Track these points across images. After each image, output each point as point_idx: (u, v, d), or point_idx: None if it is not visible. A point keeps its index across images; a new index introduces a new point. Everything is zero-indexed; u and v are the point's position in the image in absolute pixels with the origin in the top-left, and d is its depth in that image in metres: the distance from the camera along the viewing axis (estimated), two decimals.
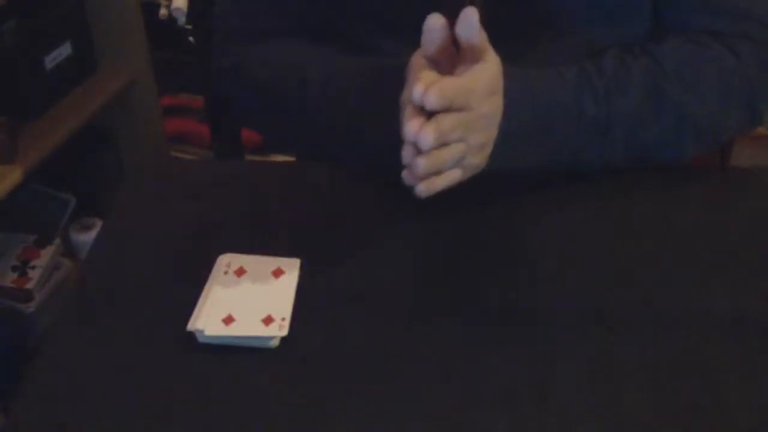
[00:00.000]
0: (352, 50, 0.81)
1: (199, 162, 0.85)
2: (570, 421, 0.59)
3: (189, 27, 1.77)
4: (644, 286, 0.69)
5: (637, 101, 0.74)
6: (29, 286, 1.58)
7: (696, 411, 0.59)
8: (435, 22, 0.62)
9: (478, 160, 0.66)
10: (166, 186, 0.83)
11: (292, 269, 0.69)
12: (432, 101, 0.59)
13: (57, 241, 1.69)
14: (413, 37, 0.80)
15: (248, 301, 0.66)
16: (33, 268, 1.61)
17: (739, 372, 0.62)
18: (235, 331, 0.64)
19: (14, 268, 1.62)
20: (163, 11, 1.81)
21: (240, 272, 0.69)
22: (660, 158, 0.77)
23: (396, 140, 0.62)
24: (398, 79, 0.66)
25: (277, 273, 0.69)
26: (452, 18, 0.62)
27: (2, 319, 1.59)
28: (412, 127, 0.60)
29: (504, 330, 0.64)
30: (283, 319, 0.65)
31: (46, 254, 1.64)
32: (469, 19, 0.61)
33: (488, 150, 0.67)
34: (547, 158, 0.74)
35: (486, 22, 0.78)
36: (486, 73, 0.64)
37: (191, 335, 0.64)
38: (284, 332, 0.64)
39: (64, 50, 1.61)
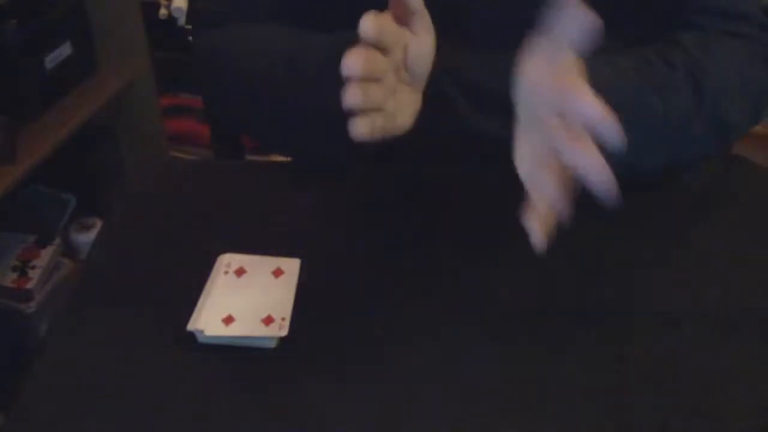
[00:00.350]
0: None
1: (199, 162, 0.85)
2: (570, 421, 0.59)
3: (189, 27, 1.77)
4: (644, 286, 0.69)
5: (688, 96, 0.72)
6: (29, 286, 1.58)
7: (696, 411, 0.59)
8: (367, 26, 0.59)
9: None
10: (166, 186, 0.83)
11: (292, 269, 0.69)
12: (368, 28, 0.57)
13: (57, 241, 1.69)
14: None
15: (248, 301, 0.66)
16: (33, 268, 1.62)
17: (739, 372, 0.62)
18: (235, 331, 0.64)
19: (14, 268, 1.62)
20: (163, 11, 1.81)
21: (240, 272, 0.69)
22: (693, 158, 0.77)
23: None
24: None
25: (277, 273, 0.69)
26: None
27: (2, 319, 1.59)
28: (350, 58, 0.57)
29: (504, 330, 0.64)
30: (283, 319, 0.65)
31: (46, 254, 1.64)
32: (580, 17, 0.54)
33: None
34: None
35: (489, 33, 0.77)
36: None
37: (191, 335, 0.64)
38: (284, 332, 0.64)
39: (64, 50, 1.61)
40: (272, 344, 0.64)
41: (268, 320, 0.64)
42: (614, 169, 0.55)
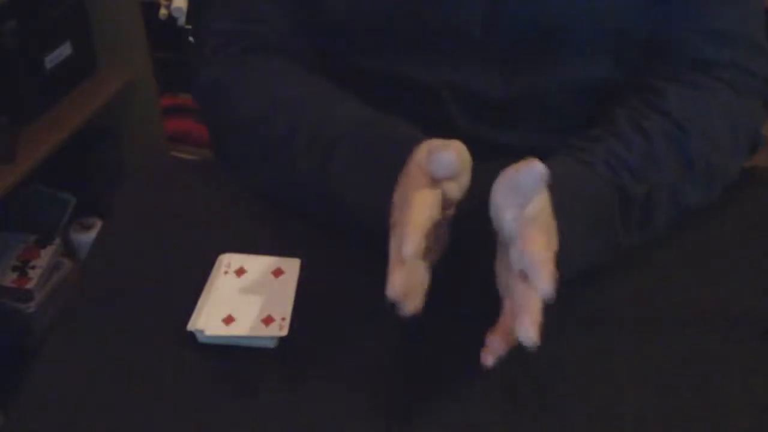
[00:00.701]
0: (345, 72, 0.79)
1: (199, 162, 0.85)
2: (570, 421, 0.59)
3: (189, 27, 1.77)
4: (644, 286, 0.69)
5: (671, 168, 0.71)
6: (29, 286, 1.58)
7: (696, 411, 0.59)
8: (449, 159, 0.59)
9: None
10: (166, 186, 0.83)
11: (292, 269, 0.69)
12: None
13: (57, 241, 1.69)
14: (405, 57, 0.79)
15: (248, 301, 0.66)
16: (33, 268, 1.62)
17: (739, 372, 0.62)
18: (235, 331, 0.64)
19: (14, 268, 1.62)
20: (163, 11, 1.81)
21: (240, 272, 0.69)
22: (694, 209, 0.74)
23: (376, 214, 0.60)
24: (391, 152, 0.64)
25: (277, 273, 0.69)
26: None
27: (2, 319, 1.59)
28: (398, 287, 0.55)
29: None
30: (283, 319, 0.65)
31: (46, 254, 1.64)
32: (538, 169, 0.56)
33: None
34: (601, 250, 0.69)
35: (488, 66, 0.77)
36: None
37: (191, 335, 0.64)
38: (284, 332, 0.64)
39: (64, 50, 1.61)
40: (272, 344, 0.64)
41: (268, 320, 0.64)
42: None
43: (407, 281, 0.56)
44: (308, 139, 0.71)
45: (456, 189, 0.62)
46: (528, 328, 0.54)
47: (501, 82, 0.80)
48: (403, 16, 0.78)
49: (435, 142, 0.63)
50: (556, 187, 0.61)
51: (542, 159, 0.60)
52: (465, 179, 0.63)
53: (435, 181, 0.60)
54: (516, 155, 0.60)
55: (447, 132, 0.64)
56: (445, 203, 0.63)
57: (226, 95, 0.79)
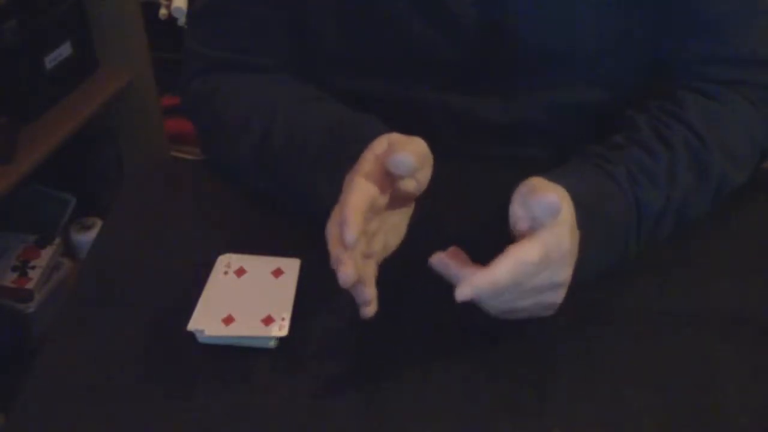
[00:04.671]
0: (335, 92, 0.78)
1: (199, 162, 0.85)
2: (570, 421, 0.59)
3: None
4: (644, 285, 0.69)
5: (688, 181, 0.70)
6: (29, 286, 1.58)
7: (696, 411, 0.59)
8: (407, 161, 0.60)
9: (556, 298, 0.62)
10: (166, 186, 0.83)
11: (292, 269, 0.69)
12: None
13: (57, 241, 1.69)
14: (399, 80, 0.79)
15: (248, 301, 0.66)
16: (33, 268, 1.61)
17: (739, 372, 0.62)
18: (235, 331, 0.64)
19: (14, 268, 1.62)
20: (163, 11, 1.81)
21: (240, 272, 0.69)
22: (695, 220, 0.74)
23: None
24: (351, 151, 0.64)
25: (277, 273, 0.69)
26: None
27: (2, 319, 1.59)
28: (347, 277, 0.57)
29: (504, 330, 0.64)
30: (283, 319, 0.65)
31: (46, 254, 1.64)
32: (552, 204, 0.58)
33: (566, 285, 0.61)
34: (611, 262, 0.68)
35: (467, 75, 0.77)
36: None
37: (191, 335, 0.64)
38: (284, 332, 0.64)
39: (64, 50, 1.61)
40: (272, 344, 0.64)
41: (268, 320, 0.64)
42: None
43: (356, 269, 0.57)
44: (282, 143, 0.73)
45: (413, 185, 0.63)
46: (467, 284, 0.56)
47: (499, 106, 0.80)
48: (399, 45, 0.77)
49: (395, 137, 0.63)
50: (578, 204, 0.62)
51: (563, 163, 0.62)
52: (424, 175, 0.64)
53: (391, 175, 0.62)
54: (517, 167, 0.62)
55: (441, 150, 0.65)
56: (403, 199, 0.65)
57: (206, 105, 0.81)
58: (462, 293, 0.56)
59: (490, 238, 0.62)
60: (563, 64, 0.77)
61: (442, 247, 0.61)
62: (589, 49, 0.76)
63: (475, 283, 0.56)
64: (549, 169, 0.66)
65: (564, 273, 0.60)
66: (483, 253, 0.59)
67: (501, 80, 0.79)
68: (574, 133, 0.81)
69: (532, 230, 0.60)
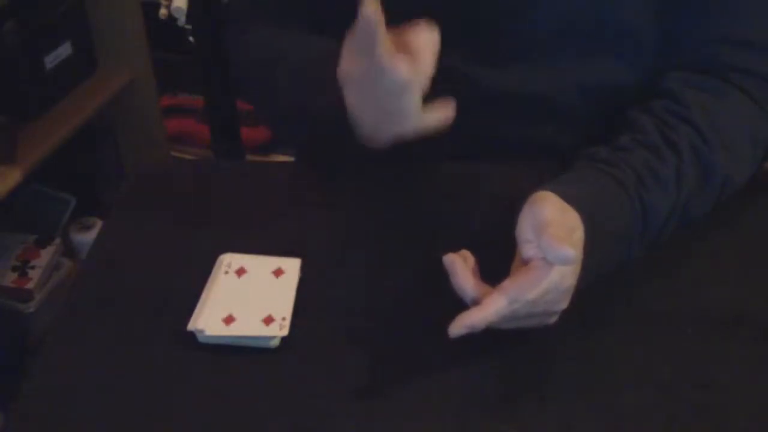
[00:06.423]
0: None
1: (199, 162, 0.85)
2: (570, 421, 0.59)
3: (189, 27, 1.77)
4: (645, 285, 0.69)
5: (692, 184, 0.70)
6: (29, 286, 1.58)
7: (696, 411, 0.59)
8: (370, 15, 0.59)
9: (562, 305, 0.63)
10: (166, 186, 0.83)
11: (292, 269, 0.69)
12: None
13: (57, 241, 1.69)
14: None
15: (248, 301, 0.66)
16: (33, 268, 1.61)
17: (739, 372, 0.62)
18: (236, 331, 0.64)
19: (14, 268, 1.61)
20: (163, 11, 1.81)
21: (240, 272, 0.69)
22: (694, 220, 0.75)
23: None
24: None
25: (277, 273, 0.69)
26: None
27: (2, 319, 1.59)
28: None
29: (505, 330, 0.64)
30: (284, 319, 0.65)
31: (46, 254, 1.64)
32: (567, 258, 0.58)
33: (571, 291, 0.63)
34: (614, 266, 0.69)
35: (459, 51, 0.77)
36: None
37: (191, 335, 0.64)
38: (284, 332, 0.64)
39: (64, 50, 1.61)
40: (272, 344, 0.64)
41: (268, 320, 0.64)
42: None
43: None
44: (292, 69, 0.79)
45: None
46: (459, 324, 0.59)
47: (518, 77, 0.80)
48: (423, 11, 0.78)
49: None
50: (583, 215, 0.62)
51: (571, 166, 0.65)
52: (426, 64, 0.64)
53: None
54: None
55: (461, 127, 0.66)
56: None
57: (240, 47, 0.90)
58: (455, 332, 0.59)
59: (501, 237, 0.62)
60: (588, 39, 0.77)
61: (449, 245, 0.61)
62: (612, 21, 0.76)
63: (467, 323, 0.59)
64: (563, 160, 0.65)
65: (563, 304, 0.62)
66: (492, 252, 0.59)
67: (525, 52, 0.79)
68: (592, 117, 0.81)
69: (537, 258, 0.60)
